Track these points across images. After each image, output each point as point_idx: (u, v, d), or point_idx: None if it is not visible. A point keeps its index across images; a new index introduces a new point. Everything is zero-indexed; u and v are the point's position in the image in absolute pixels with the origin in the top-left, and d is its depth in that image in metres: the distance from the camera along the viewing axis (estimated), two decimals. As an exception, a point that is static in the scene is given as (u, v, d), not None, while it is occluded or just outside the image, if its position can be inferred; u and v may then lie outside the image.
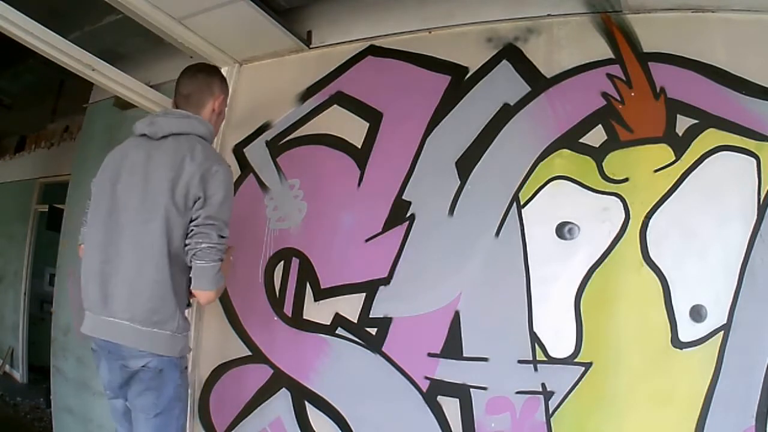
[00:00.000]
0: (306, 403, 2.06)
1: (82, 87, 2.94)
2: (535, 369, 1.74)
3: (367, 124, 2.14)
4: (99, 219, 1.56)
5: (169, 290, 1.48)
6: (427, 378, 1.88)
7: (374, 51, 2.21)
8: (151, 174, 1.52)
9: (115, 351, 1.49)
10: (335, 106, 2.22)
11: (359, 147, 2.13)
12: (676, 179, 1.68)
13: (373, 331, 1.98)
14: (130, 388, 1.53)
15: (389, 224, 2.01)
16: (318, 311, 2.09)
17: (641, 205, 1.70)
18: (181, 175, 1.49)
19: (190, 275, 1.53)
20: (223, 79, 1.78)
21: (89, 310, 1.55)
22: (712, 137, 1.68)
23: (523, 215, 1.83)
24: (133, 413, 1.55)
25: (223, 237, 1.52)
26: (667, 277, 1.65)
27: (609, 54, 1.83)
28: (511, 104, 1.91)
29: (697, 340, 1.60)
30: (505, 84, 1.93)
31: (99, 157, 3.12)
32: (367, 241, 2.04)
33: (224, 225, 1.53)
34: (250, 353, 2.19)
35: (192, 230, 1.50)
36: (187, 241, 1.51)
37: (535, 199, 1.83)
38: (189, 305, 1.61)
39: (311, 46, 2.35)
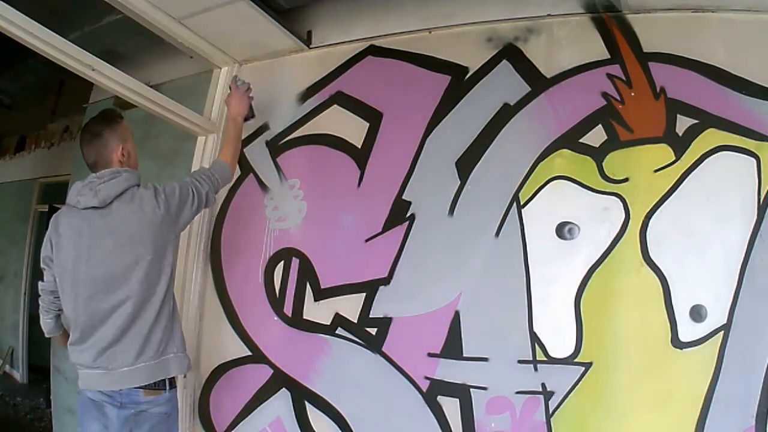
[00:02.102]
0: (306, 403, 2.06)
1: (82, 87, 2.94)
2: (535, 369, 1.74)
3: (367, 124, 2.14)
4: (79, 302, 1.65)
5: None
6: (427, 378, 1.88)
7: (374, 51, 2.21)
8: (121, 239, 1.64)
9: None
10: (335, 106, 2.22)
11: (359, 147, 2.13)
12: (676, 179, 1.68)
13: (373, 331, 1.98)
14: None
15: (389, 224, 2.01)
16: (318, 311, 2.09)
17: (641, 205, 1.70)
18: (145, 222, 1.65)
19: None
20: (114, 126, 1.75)
21: None
22: (712, 137, 1.68)
23: (523, 215, 1.83)
24: None
25: (199, 182, 1.80)
26: (667, 277, 1.65)
27: (609, 54, 1.83)
28: (511, 104, 1.91)
29: (697, 340, 1.60)
30: (505, 84, 1.93)
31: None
32: (367, 241, 2.04)
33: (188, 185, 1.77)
34: (250, 353, 2.19)
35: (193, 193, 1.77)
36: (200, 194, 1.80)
37: (535, 199, 1.83)
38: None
39: (311, 46, 2.35)
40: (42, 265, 1.79)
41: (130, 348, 1.61)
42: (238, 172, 2.37)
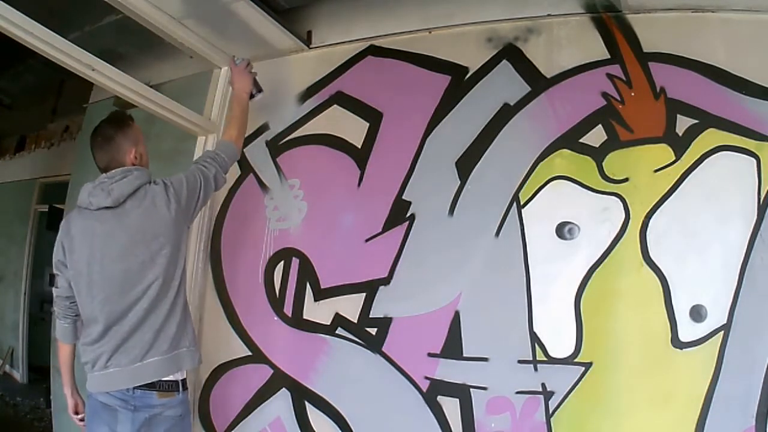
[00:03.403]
0: (306, 403, 2.06)
1: (82, 87, 2.94)
2: (535, 369, 1.74)
3: (367, 124, 2.14)
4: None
5: None
6: (427, 378, 1.88)
7: (374, 51, 2.21)
8: (136, 238, 1.63)
9: None
10: (335, 106, 2.22)
11: (359, 147, 2.13)
12: (676, 179, 1.68)
13: (373, 331, 1.98)
14: None
15: (389, 224, 2.01)
16: (318, 311, 2.09)
17: (641, 205, 1.70)
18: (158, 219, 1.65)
19: None
20: (126, 130, 1.73)
21: None
22: (712, 137, 1.68)
23: (523, 215, 1.83)
24: None
25: (204, 167, 1.80)
26: (667, 277, 1.65)
27: (609, 54, 1.83)
28: (511, 104, 1.91)
29: (697, 340, 1.60)
30: (505, 84, 1.93)
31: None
32: (367, 241, 2.04)
33: (196, 174, 1.77)
34: (250, 353, 2.19)
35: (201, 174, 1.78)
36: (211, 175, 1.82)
37: (535, 199, 1.83)
38: None
39: (311, 46, 2.35)
40: (54, 271, 1.73)
41: (143, 342, 1.59)
42: (238, 172, 2.38)
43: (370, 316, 1.99)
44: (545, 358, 1.74)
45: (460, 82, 2.00)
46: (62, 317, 1.76)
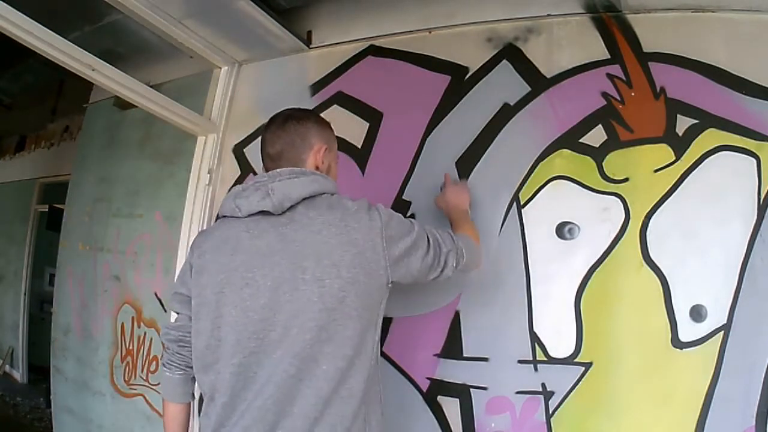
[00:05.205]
0: (306, 403, 2.05)
1: (82, 87, 2.94)
2: (535, 369, 1.74)
3: (367, 124, 2.14)
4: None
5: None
6: (427, 378, 1.88)
7: (374, 51, 2.21)
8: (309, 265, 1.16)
9: None
10: (335, 106, 2.22)
11: (359, 147, 2.13)
12: (676, 179, 1.68)
13: (373, 331, 1.97)
14: None
15: (389, 224, 2.01)
16: (318, 311, 2.08)
17: (641, 205, 1.70)
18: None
19: None
20: (321, 124, 1.38)
21: None
22: (712, 137, 1.67)
23: (523, 215, 1.83)
24: None
25: (438, 234, 1.37)
26: (667, 277, 1.65)
27: (609, 54, 1.83)
28: (511, 104, 1.91)
29: (697, 340, 1.60)
30: (505, 84, 1.93)
31: (99, 157, 3.13)
32: (367, 241, 2.03)
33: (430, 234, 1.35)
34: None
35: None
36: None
37: (535, 199, 1.83)
38: None
39: (311, 46, 2.35)
40: (171, 303, 1.34)
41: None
42: (237, 172, 2.38)
43: (370, 316, 1.98)
44: (545, 358, 1.74)
45: (460, 82, 2.00)
46: (168, 364, 1.36)
